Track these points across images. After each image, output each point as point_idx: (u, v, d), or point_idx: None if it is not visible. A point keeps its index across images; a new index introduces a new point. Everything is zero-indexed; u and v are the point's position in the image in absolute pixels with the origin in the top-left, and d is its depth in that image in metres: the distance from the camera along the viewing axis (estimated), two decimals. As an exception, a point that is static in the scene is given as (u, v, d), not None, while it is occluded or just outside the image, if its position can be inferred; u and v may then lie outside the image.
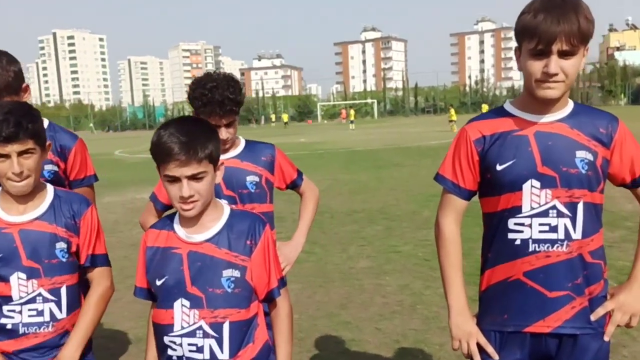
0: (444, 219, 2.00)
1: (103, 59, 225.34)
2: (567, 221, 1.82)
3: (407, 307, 4.87)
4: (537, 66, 1.74)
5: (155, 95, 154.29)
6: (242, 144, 2.65)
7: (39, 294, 2.00)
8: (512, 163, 1.84)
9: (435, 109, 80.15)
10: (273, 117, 67.98)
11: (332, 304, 5.07)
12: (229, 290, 1.80)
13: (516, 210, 1.85)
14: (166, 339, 1.83)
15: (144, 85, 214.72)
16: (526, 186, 1.83)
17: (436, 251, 2.04)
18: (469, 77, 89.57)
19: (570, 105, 1.89)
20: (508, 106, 1.94)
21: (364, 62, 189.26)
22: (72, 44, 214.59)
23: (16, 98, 2.34)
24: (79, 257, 2.09)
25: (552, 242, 1.82)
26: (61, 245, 2.03)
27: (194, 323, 1.80)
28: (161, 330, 1.85)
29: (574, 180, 1.81)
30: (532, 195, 1.83)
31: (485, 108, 44.09)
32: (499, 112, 1.95)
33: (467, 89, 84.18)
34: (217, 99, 2.37)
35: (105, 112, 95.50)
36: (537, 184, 1.82)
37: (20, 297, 1.98)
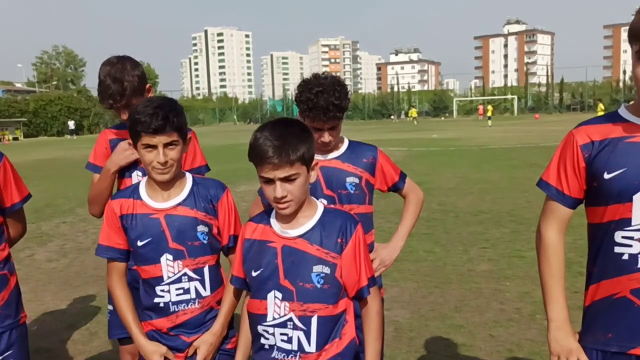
0: (546, 227, 1.91)
1: (248, 54, 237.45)
2: None
3: (526, 316, 4.66)
4: None
5: (294, 89, 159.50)
6: (345, 144, 2.68)
7: (185, 274, 2.19)
8: (622, 172, 1.72)
9: (583, 106, 74.52)
10: (414, 112, 66.40)
11: (446, 306, 4.99)
12: (319, 285, 1.87)
13: (625, 223, 1.73)
14: (260, 328, 1.95)
15: (284, 79, 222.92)
16: (637, 197, 1.70)
17: (537, 257, 1.96)
18: (624, 72, 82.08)
19: None
20: (622, 111, 1.81)
21: (505, 56, 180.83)
22: (221, 41, 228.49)
23: (141, 99, 2.55)
24: (220, 239, 2.27)
25: None
26: (202, 228, 2.19)
27: (285, 315, 1.89)
28: (255, 319, 1.96)
29: None
30: None
31: (600, 108, 40.13)
32: (611, 117, 1.82)
33: (621, 84, 77.13)
34: (321, 105, 2.41)
35: (247, 105, 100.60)
36: None
37: (169, 277, 2.19)
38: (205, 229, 2.21)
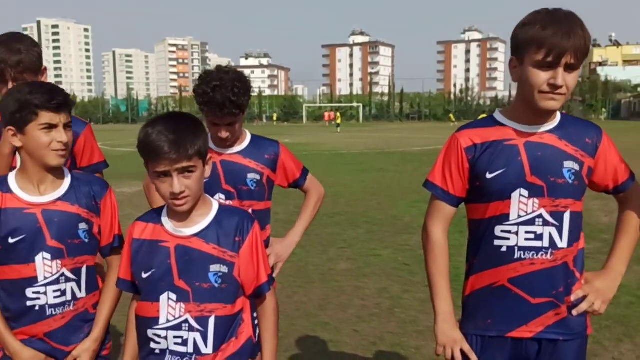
0: (432, 225, 2.03)
1: (87, 50, 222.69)
2: (553, 230, 1.88)
3: (385, 310, 4.93)
4: (543, 77, 1.77)
5: (139, 89, 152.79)
6: (247, 139, 2.63)
7: (62, 274, 2.02)
8: (502, 172, 1.88)
9: (420, 116, 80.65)
10: (275, 116, 75.35)
11: (311, 305, 5.10)
12: (216, 285, 1.82)
13: (503, 218, 1.90)
14: (150, 332, 1.85)
15: (128, 78, 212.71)
16: (515, 195, 1.88)
17: (416, 256, 2.09)
18: (454, 85, 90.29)
19: (558, 117, 1.95)
20: (498, 116, 1.98)
21: (351, 65, 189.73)
22: (57, 34, 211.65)
23: (35, 78, 2.33)
24: (100, 238, 2.12)
25: (537, 250, 1.88)
26: (84, 225, 2.05)
27: (180, 316, 1.82)
28: (145, 323, 1.86)
29: (561, 190, 1.88)
30: (520, 203, 1.88)
31: (451, 118, 44.70)
32: (489, 121, 1.99)
33: (452, 97, 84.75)
34: (217, 100, 2.35)
35: (87, 104, 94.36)
36: (525, 192, 1.88)
37: (45, 278, 1.99)
38: (87, 227, 2.07)
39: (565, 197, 1.88)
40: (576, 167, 1.89)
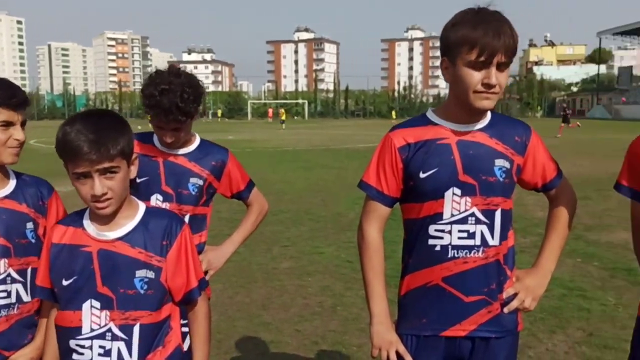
0: (367, 226, 2.01)
1: (20, 43, 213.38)
2: (484, 228, 1.90)
3: (328, 309, 4.91)
4: (477, 77, 1.77)
5: (77, 84, 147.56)
6: (195, 143, 2.53)
7: (9, 275, 1.96)
8: (435, 171, 1.88)
9: (365, 113, 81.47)
10: (219, 112, 74.37)
11: (253, 305, 5.03)
12: (142, 291, 1.74)
13: (437, 217, 1.90)
14: (72, 343, 1.74)
15: (64, 73, 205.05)
16: (448, 194, 1.88)
17: (359, 255, 2.06)
18: (398, 83, 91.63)
19: (489, 115, 1.96)
20: (431, 115, 1.98)
21: (296, 62, 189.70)
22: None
23: None
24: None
25: (470, 248, 1.90)
26: (30, 225, 2.00)
27: (104, 325, 1.72)
28: (66, 333, 1.75)
29: (493, 188, 1.89)
30: (453, 202, 1.89)
31: (394, 114, 45.35)
32: (422, 120, 1.98)
33: (396, 94, 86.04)
34: (164, 105, 2.24)
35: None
36: (458, 191, 1.89)
37: None
38: (33, 227, 2.01)
39: (496, 195, 1.90)
40: (507, 165, 1.91)
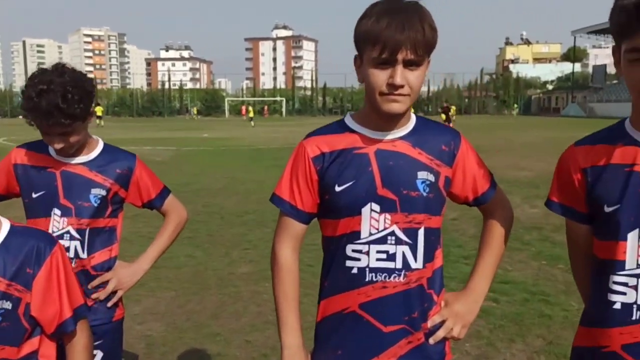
0: (280, 245, 1.78)
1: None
2: (406, 249, 1.67)
3: (282, 317, 4.69)
4: (381, 77, 1.56)
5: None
6: (97, 149, 2.29)
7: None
8: (351, 184, 1.66)
9: (343, 110, 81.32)
10: (195, 110, 74.01)
11: (204, 314, 4.79)
12: None
13: (354, 236, 1.68)
14: None
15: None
16: (365, 210, 1.66)
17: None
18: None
19: (412, 121, 1.74)
20: (349, 120, 1.75)
21: (274, 59, 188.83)
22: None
23: None
24: None
25: (390, 271, 1.66)
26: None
27: None
28: None
29: (415, 204, 1.67)
30: (371, 219, 1.66)
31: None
32: (339, 126, 1.75)
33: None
34: (42, 107, 1.99)
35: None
36: (376, 207, 1.65)
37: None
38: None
39: (419, 211, 1.67)
40: (431, 177, 1.69)
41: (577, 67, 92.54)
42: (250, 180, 12.84)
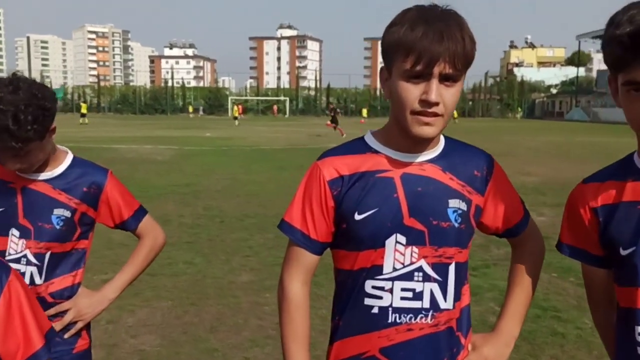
0: (289, 278, 1.58)
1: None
2: (435, 287, 1.48)
3: (283, 332, 4.49)
4: (414, 92, 1.37)
5: (56, 77, 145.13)
6: (64, 164, 2.04)
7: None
8: (374, 212, 1.46)
9: (346, 111, 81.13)
10: (190, 108, 72.93)
11: (201, 327, 4.59)
12: None
13: (376, 271, 1.48)
14: None
15: (43, 65, 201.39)
16: (390, 242, 1.46)
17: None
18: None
19: (441, 142, 1.55)
20: (370, 139, 1.55)
21: (278, 59, 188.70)
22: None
23: None
24: None
25: (416, 312, 1.48)
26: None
27: None
28: None
29: (446, 236, 1.48)
30: (395, 252, 1.47)
31: (364, 113, 44.21)
32: (359, 146, 1.55)
33: (378, 92, 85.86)
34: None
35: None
36: (402, 239, 1.47)
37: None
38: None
39: (450, 244, 1.49)
40: (463, 206, 1.51)
41: (582, 71, 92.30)
42: (251, 182, 12.65)
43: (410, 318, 1.47)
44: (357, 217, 1.47)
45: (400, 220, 1.46)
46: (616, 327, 1.47)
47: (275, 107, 78.01)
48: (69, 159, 2.06)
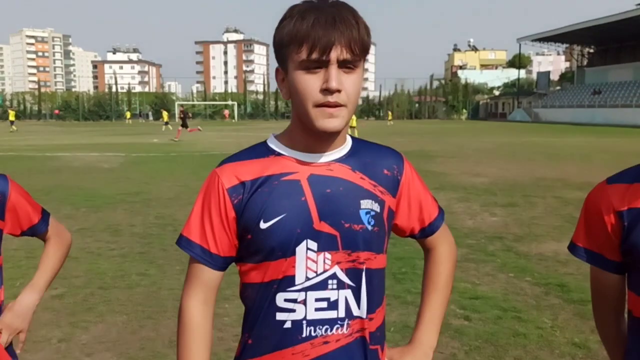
0: (187, 296, 1.45)
1: None
2: (349, 293, 1.39)
3: (245, 343, 4.37)
4: (313, 83, 1.28)
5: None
6: None
7: None
8: (281, 218, 1.35)
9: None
10: (128, 114, 69.39)
11: (159, 341, 4.41)
12: None
13: (288, 282, 1.37)
14: None
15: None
16: (300, 249, 1.36)
17: (178, 341, 1.47)
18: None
19: (349, 141, 1.46)
20: (272, 141, 1.45)
21: (225, 63, 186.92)
22: None
23: None
24: None
25: (332, 322, 1.39)
26: None
27: None
28: None
29: (359, 239, 1.39)
30: (307, 260, 1.37)
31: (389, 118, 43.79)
32: (261, 150, 1.44)
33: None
34: None
35: None
36: (313, 245, 1.37)
37: None
38: None
39: (363, 248, 1.40)
40: (375, 207, 1.42)
41: (522, 73, 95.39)
42: (204, 189, 12.38)
43: (326, 329, 1.38)
44: (263, 225, 1.36)
45: (310, 225, 1.36)
46: (629, 336, 1.42)
47: (226, 111, 77.32)
48: None
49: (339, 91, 1.27)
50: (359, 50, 1.29)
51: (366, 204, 1.40)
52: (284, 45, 1.32)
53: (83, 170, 15.82)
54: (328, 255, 1.37)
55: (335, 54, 1.26)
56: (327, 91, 1.27)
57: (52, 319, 4.80)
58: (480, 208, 9.76)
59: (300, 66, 1.29)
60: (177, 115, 37.77)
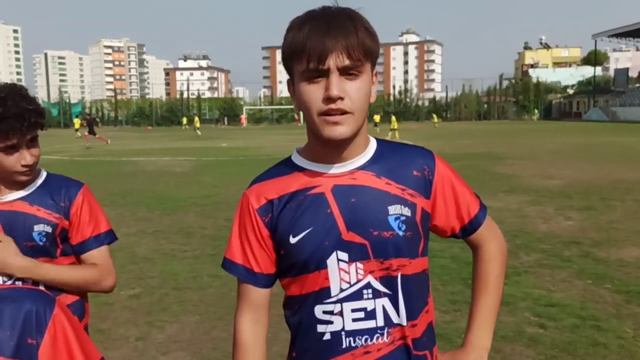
0: (238, 317, 1.50)
1: (17, 52, 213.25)
2: (386, 301, 1.38)
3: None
4: (316, 93, 1.29)
5: (73, 92, 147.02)
6: (40, 179, 1.97)
7: None
8: (309, 232, 1.37)
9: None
10: (185, 120, 68.97)
11: (230, 342, 4.45)
12: None
13: (324, 294, 1.38)
14: None
15: (61, 81, 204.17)
16: (331, 261, 1.37)
17: None
18: (393, 87, 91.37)
19: (372, 146, 1.44)
20: (296, 156, 1.47)
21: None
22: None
23: None
24: None
25: (371, 332, 1.38)
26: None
27: None
28: None
29: (389, 246, 1.37)
30: (340, 272, 1.37)
31: (377, 119, 43.71)
32: (285, 166, 1.47)
33: (392, 98, 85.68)
34: (13, 112, 1.75)
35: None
36: (344, 256, 1.37)
37: None
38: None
39: (395, 255, 1.38)
40: (406, 212, 1.39)
41: (598, 70, 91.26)
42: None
43: (366, 339, 1.38)
44: (292, 240, 1.38)
45: (338, 237, 1.36)
46: None
47: (243, 117, 75.78)
48: (43, 173, 2.00)
49: (341, 98, 1.27)
50: (360, 55, 1.28)
51: (395, 209, 1.39)
52: (287, 58, 1.34)
53: (157, 174, 16.45)
54: (360, 265, 1.37)
55: (332, 61, 1.26)
56: (328, 99, 1.28)
57: (130, 317, 5.01)
58: (555, 212, 9.39)
59: (302, 77, 1.31)
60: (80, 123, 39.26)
